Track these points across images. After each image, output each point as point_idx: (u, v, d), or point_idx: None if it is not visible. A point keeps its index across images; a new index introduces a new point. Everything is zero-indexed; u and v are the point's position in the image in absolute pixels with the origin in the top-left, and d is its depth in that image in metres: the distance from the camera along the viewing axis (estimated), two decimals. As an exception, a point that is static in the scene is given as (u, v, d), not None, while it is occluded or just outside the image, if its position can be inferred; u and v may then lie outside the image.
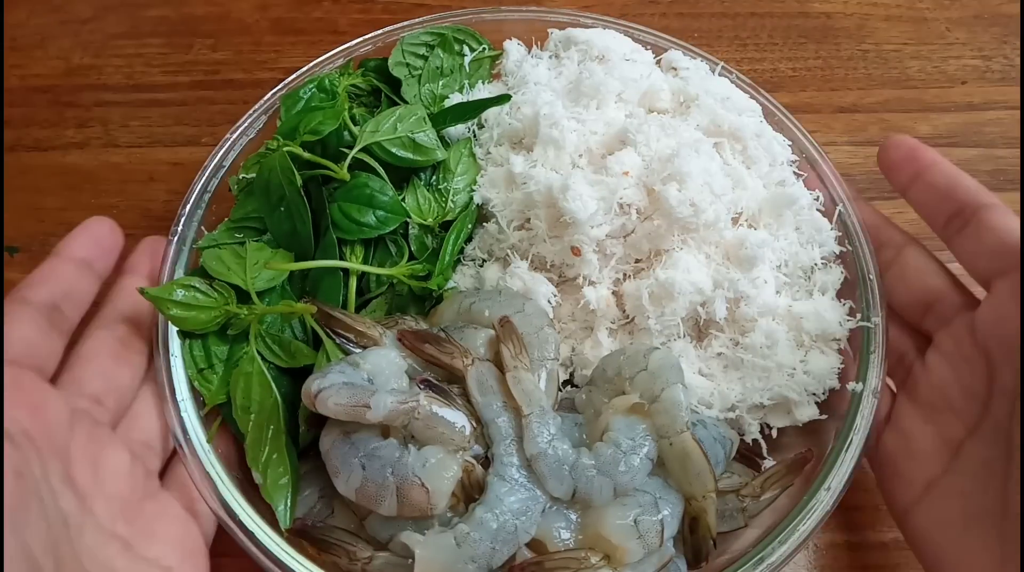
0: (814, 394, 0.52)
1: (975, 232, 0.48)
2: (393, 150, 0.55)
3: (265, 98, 0.60)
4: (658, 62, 0.62)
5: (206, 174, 0.57)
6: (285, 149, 0.52)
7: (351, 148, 0.55)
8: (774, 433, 0.53)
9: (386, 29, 0.63)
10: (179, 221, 0.55)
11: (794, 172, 0.58)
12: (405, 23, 0.63)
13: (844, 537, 0.55)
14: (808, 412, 0.52)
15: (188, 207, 0.55)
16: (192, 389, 0.50)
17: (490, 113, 0.60)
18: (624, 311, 0.54)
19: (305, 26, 0.80)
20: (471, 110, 0.59)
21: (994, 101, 0.76)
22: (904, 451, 0.50)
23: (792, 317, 0.53)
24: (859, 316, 0.53)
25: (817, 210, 0.56)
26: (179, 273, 0.53)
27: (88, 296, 0.50)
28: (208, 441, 0.49)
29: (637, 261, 0.54)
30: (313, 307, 0.48)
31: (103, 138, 0.73)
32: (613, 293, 0.55)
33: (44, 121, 0.74)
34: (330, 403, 0.44)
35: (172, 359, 0.50)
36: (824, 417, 0.52)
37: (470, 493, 0.46)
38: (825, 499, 0.47)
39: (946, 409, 0.49)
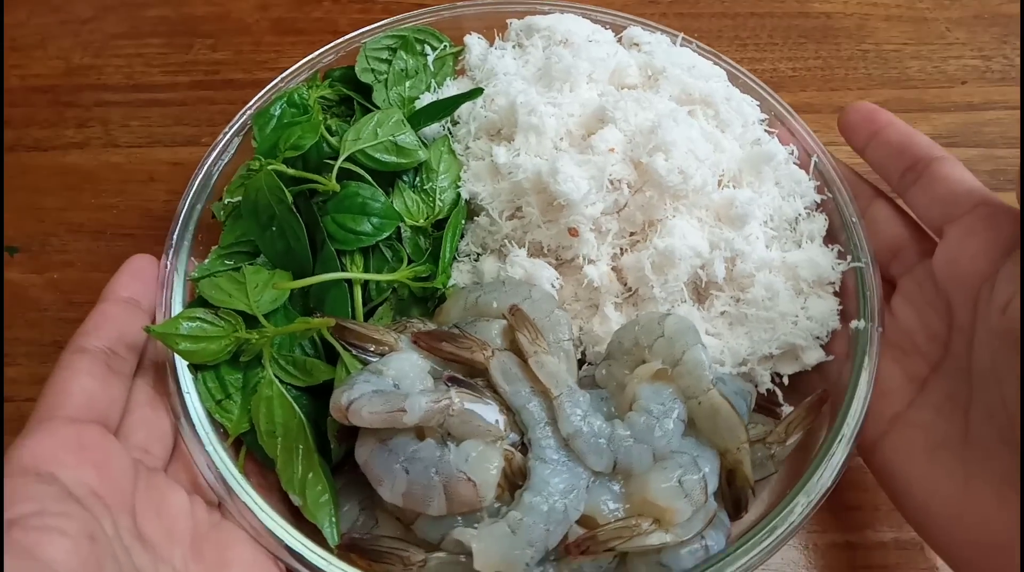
0: (818, 338, 0.55)
1: (927, 183, 0.52)
2: (377, 155, 0.55)
3: (235, 119, 0.59)
4: (619, 40, 0.63)
5: (187, 202, 0.55)
6: (270, 167, 0.52)
7: (333, 159, 0.55)
8: (785, 381, 0.55)
9: (346, 37, 0.62)
10: (168, 254, 0.53)
11: (765, 130, 0.60)
12: (365, 28, 0.63)
13: (844, 537, 0.56)
14: (816, 355, 0.54)
15: (175, 239, 0.54)
16: (212, 421, 0.49)
17: (463, 109, 0.60)
18: (625, 285, 0.55)
19: (305, 26, 0.80)
20: (446, 107, 0.59)
21: (994, 101, 0.76)
22: (872, 390, 0.51)
23: (787, 267, 0.55)
24: (849, 258, 0.55)
25: (793, 163, 0.58)
26: (177, 307, 0.52)
27: (142, 334, 0.50)
28: (240, 472, 0.48)
29: (632, 234, 0.55)
30: (330, 321, 0.48)
31: (103, 138, 0.73)
32: (612, 269, 0.56)
33: (44, 121, 0.74)
34: (364, 413, 0.44)
35: (186, 396, 0.49)
36: (831, 357, 0.54)
37: (513, 481, 0.47)
38: (848, 432, 0.49)
39: (912, 350, 0.52)
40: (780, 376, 0.55)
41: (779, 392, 0.54)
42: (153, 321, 0.51)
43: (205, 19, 0.80)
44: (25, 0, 0.81)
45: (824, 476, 0.47)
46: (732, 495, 0.48)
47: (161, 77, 0.77)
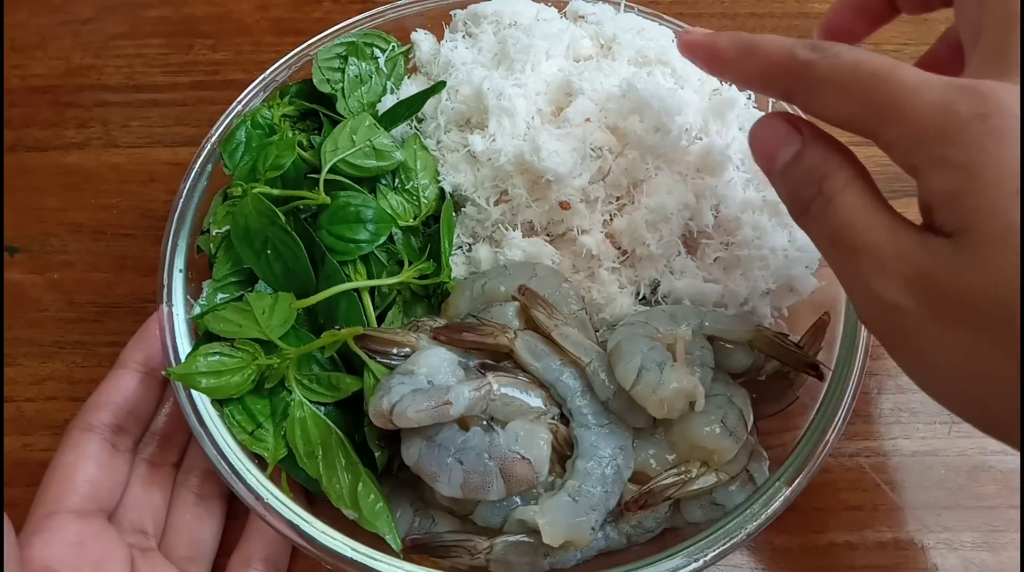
0: (808, 266, 0.57)
1: None
2: (358, 162, 0.54)
3: (201, 152, 0.57)
4: (563, 15, 0.65)
5: (169, 243, 0.54)
6: (256, 191, 0.51)
7: (310, 173, 0.55)
8: (785, 312, 0.58)
9: (296, 51, 0.62)
10: (163, 300, 0.52)
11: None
12: (312, 39, 0.62)
13: (843, 537, 0.56)
14: (809, 283, 0.57)
15: (166, 281, 0.53)
16: (249, 454, 0.48)
17: (428, 105, 0.60)
18: (620, 249, 0.57)
19: (305, 26, 0.79)
20: (412, 105, 0.59)
21: (994, 101, 0.76)
22: None
23: (768, 205, 0.57)
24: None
25: (752, 107, 0.61)
26: (185, 350, 0.51)
27: (152, 406, 0.52)
28: (287, 495, 0.47)
29: (618, 198, 0.57)
30: (357, 330, 0.48)
31: (103, 138, 0.73)
32: (605, 235, 0.57)
33: (44, 121, 0.74)
34: (410, 413, 0.44)
35: (215, 435, 0.48)
36: (824, 283, 0.57)
37: (562, 452, 0.48)
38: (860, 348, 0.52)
39: None
40: (779, 309, 0.58)
41: (784, 324, 0.57)
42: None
43: (205, 19, 0.80)
44: (25, 0, 0.80)
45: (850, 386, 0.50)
46: (796, 359, 0.50)
47: (161, 77, 0.76)
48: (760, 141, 0.43)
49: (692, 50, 0.46)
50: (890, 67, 0.36)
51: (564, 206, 0.54)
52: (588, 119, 0.55)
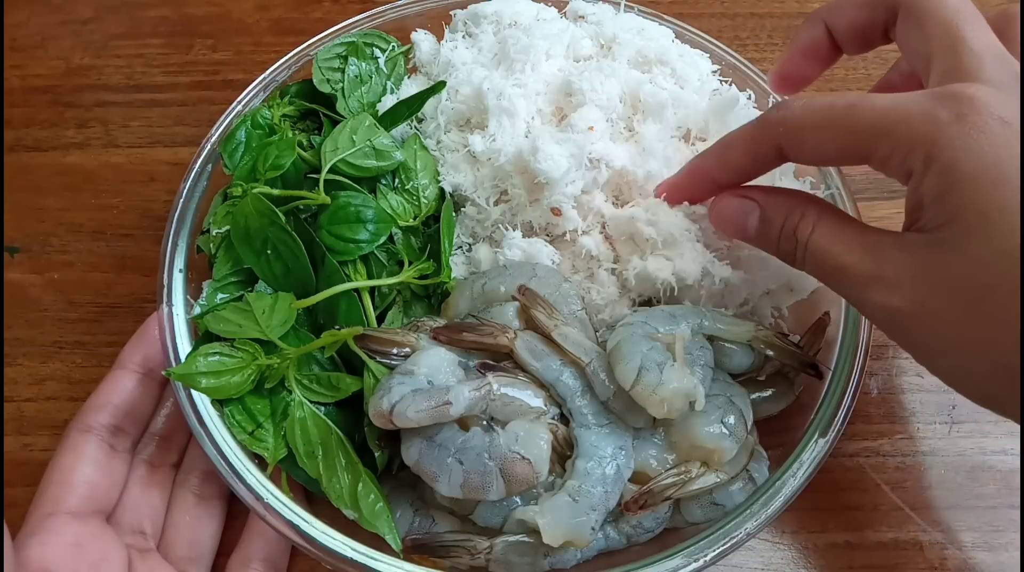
0: (808, 267, 0.57)
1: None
2: (358, 162, 0.54)
3: (201, 152, 0.58)
4: (563, 15, 0.65)
5: (169, 243, 0.54)
6: (256, 191, 0.51)
7: (310, 173, 0.55)
8: (785, 312, 0.58)
9: (296, 51, 0.62)
10: (163, 300, 0.52)
11: (719, 79, 0.62)
12: (312, 39, 0.62)
13: (844, 537, 0.56)
14: (808, 283, 0.57)
15: (166, 281, 0.53)
16: (249, 454, 0.48)
17: (428, 105, 0.60)
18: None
19: (305, 26, 0.79)
20: (412, 105, 0.59)
21: (993, 101, 0.75)
22: None
23: (769, 205, 0.57)
24: (822, 187, 0.58)
25: (752, 107, 0.61)
26: (185, 350, 0.51)
27: (150, 407, 0.52)
28: (287, 495, 0.47)
29: (616, 198, 0.57)
30: (357, 330, 0.48)
31: (103, 138, 0.73)
32: (604, 236, 0.57)
33: (44, 121, 0.74)
34: (410, 413, 0.44)
35: (215, 435, 0.48)
36: (821, 284, 0.57)
37: (562, 452, 0.48)
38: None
39: None
40: (780, 310, 0.58)
41: (784, 324, 0.57)
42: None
43: (205, 19, 0.80)
44: (25, 0, 0.80)
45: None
46: (801, 360, 0.51)
47: (161, 77, 0.77)
48: (724, 220, 0.48)
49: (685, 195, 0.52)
50: (860, 96, 0.41)
51: (555, 213, 0.54)
52: (592, 127, 0.54)
